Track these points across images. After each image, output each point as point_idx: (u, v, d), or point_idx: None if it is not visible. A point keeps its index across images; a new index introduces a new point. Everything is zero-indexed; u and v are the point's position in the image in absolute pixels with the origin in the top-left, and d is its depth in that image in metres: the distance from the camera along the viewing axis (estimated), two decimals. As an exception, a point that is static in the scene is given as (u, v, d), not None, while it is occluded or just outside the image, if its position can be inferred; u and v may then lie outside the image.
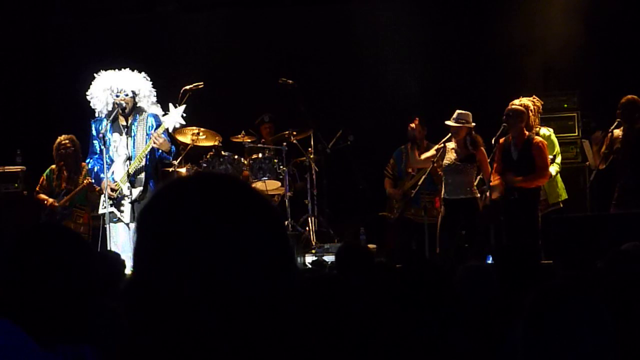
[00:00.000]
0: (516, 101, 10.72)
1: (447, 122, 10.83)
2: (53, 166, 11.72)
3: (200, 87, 11.23)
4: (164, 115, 10.18)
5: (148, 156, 10.07)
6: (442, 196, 10.99)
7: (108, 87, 9.97)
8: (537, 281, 4.95)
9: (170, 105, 10.17)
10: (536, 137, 10.60)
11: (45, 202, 11.61)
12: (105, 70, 10.22)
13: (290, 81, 12.31)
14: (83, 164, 11.45)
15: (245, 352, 1.58)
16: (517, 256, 5.40)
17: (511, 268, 5.21)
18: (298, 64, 13.55)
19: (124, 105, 9.97)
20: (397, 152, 12.34)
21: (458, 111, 10.83)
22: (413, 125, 11.53)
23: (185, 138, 11.79)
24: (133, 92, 9.98)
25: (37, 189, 11.75)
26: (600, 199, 11.10)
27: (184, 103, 10.77)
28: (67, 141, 11.56)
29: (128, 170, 9.86)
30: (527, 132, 10.54)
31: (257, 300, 1.58)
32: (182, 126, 10.47)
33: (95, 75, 10.12)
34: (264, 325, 1.59)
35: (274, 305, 1.60)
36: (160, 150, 10.05)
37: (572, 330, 2.58)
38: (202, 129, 11.68)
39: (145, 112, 10.08)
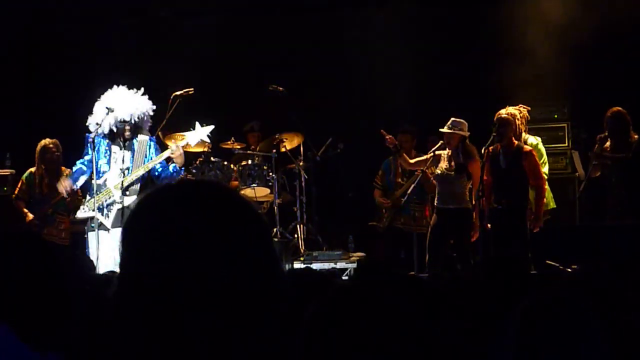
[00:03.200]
0: (502, 110, 10.72)
1: (441, 129, 10.82)
2: (32, 169, 11.56)
3: (190, 93, 11.19)
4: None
5: (154, 168, 9.88)
6: (434, 204, 10.99)
7: (110, 114, 9.73)
8: (526, 291, 4.93)
9: (197, 123, 10.12)
10: (525, 146, 10.61)
11: (25, 216, 11.46)
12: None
13: (281, 88, 12.30)
14: (63, 168, 11.38)
15: (236, 351, 1.57)
16: (506, 267, 5.38)
17: (500, 279, 5.19)
18: (288, 72, 13.55)
19: (127, 133, 9.81)
20: (385, 163, 12.33)
21: (453, 119, 10.82)
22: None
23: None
24: (137, 119, 9.81)
25: (17, 192, 11.59)
26: (590, 209, 11.12)
27: (174, 108, 10.75)
28: (52, 145, 11.46)
29: (123, 181, 9.72)
30: (515, 141, 10.55)
31: (244, 302, 1.59)
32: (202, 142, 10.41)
33: (101, 96, 9.86)
34: (254, 326, 1.60)
35: (262, 306, 1.61)
36: (173, 165, 9.87)
37: (565, 340, 2.57)
38: (192, 135, 11.66)
39: (144, 135, 9.92)
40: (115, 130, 9.77)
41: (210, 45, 14.02)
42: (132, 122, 9.76)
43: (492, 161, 10.58)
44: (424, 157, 11.14)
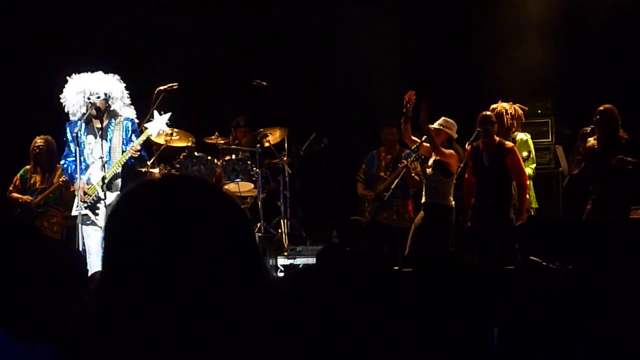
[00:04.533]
0: (495, 105, 10.74)
1: (431, 125, 10.80)
2: (28, 167, 11.70)
3: (174, 87, 11.17)
4: (147, 121, 10.10)
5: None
6: (421, 200, 11.02)
7: (81, 90, 9.73)
8: (507, 287, 4.95)
9: (155, 112, 10.06)
10: (507, 142, 10.59)
11: (20, 199, 11.55)
12: (78, 73, 10.00)
13: (264, 83, 12.28)
14: (58, 165, 11.39)
15: (222, 347, 1.57)
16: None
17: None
18: (273, 66, 13.54)
19: (98, 106, 9.74)
20: (368, 157, 12.32)
21: (444, 118, 10.85)
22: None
23: (159, 139, 11.73)
24: (106, 95, 9.74)
25: (11, 188, 11.69)
26: (573, 205, 11.14)
27: (158, 103, 10.72)
28: (41, 141, 11.58)
29: (104, 175, 9.67)
30: (497, 138, 10.53)
31: (228, 296, 1.59)
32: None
33: (68, 78, 9.91)
34: (246, 322, 1.60)
35: (246, 300, 1.61)
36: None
37: (554, 334, 2.58)
38: (175, 130, 11.63)
39: (121, 116, 9.86)
40: (87, 106, 9.68)
41: (194, 40, 14.01)
42: (106, 97, 9.68)
43: (475, 159, 10.59)
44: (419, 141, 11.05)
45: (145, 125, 10.07)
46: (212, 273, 1.57)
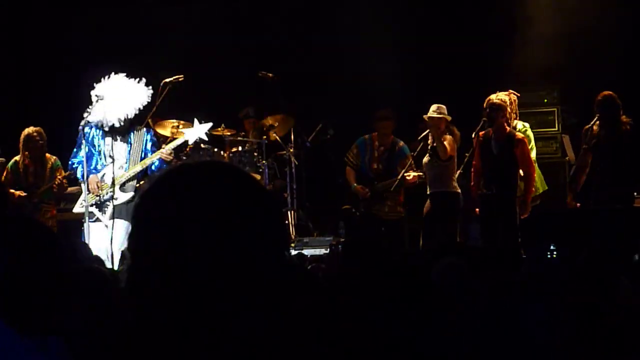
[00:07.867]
0: (493, 96, 10.70)
1: (427, 116, 10.81)
2: (17, 157, 11.53)
3: (180, 80, 11.18)
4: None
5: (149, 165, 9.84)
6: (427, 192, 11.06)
7: (104, 108, 9.62)
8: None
9: (195, 120, 10.21)
10: (517, 133, 10.55)
11: (14, 195, 11.43)
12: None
13: (270, 74, 12.28)
14: (48, 155, 11.37)
15: (254, 334, 1.59)
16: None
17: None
18: (278, 57, 13.53)
19: (118, 126, 9.70)
20: (360, 141, 12.17)
21: (437, 105, 10.86)
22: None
23: (165, 131, 11.76)
24: (134, 110, 9.71)
25: (2, 181, 11.56)
26: (580, 194, 11.12)
27: (164, 95, 10.74)
28: (35, 133, 11.40)
29: (125, 174, 9.65)
30: (508, 128, 10.51)
31: (264, 280, 1.60)
32: (202, 141, 10.38)
33: (93, 85, 9.76)
34: (271, 305, 1.62)
35: (277, 283, 1.63)
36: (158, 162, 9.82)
37: (526, 326, 2.59)
38: (181, 122, 11.64)
39: (142, 127, 9.85)
40: (105, 122, 9.70)
41: (199, 31, 14.00)
42: (125, 119, 9.68)
43: (483, 147, 10.56)
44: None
45: (183, 130, 10.16)
46: (243, 256, 1.58)
